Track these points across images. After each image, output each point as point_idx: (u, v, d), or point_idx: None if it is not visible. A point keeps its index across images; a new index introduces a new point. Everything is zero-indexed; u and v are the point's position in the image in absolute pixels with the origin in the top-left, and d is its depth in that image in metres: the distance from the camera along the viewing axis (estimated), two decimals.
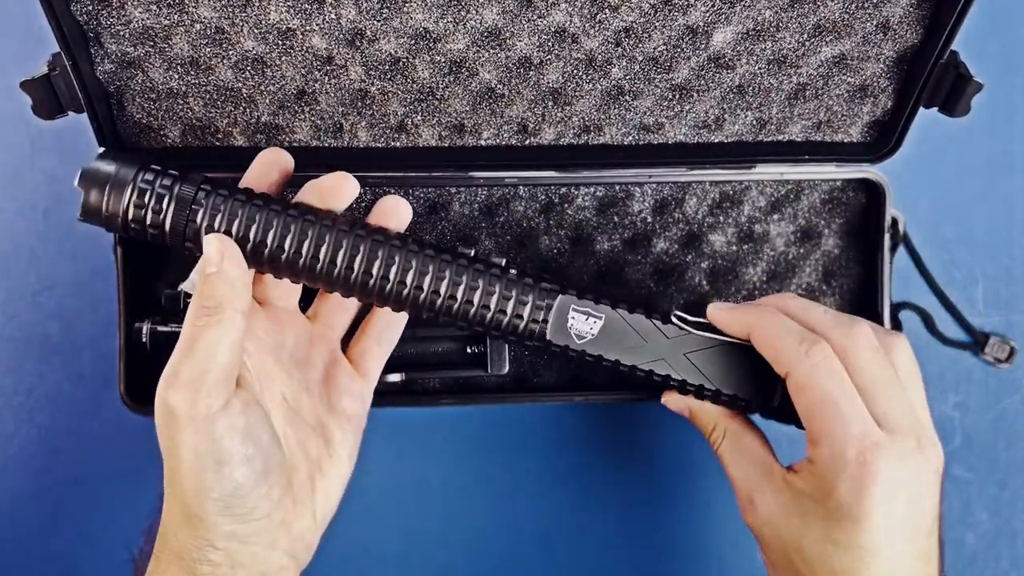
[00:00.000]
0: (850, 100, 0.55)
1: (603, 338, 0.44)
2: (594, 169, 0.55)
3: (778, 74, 0.53)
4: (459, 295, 0.43)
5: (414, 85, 0.52)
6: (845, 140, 0.56)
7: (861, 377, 0.41)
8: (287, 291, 0.46)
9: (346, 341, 0.50)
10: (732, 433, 0.45)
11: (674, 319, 0.45)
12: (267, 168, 0.45)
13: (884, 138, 0.56)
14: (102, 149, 0.41)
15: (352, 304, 0.48)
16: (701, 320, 0.46)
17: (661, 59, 0.52)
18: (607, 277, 0.58)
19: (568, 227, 0.57)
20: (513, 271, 0.44)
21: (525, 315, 0.44)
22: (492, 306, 0.44)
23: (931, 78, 0.52)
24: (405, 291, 0.43)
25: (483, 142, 0.54)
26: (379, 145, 0.54)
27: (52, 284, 0.59)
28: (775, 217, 0.58)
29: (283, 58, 0.51)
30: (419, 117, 0.53)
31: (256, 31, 0.50)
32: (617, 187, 0.57)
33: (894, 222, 0.57)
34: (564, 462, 0.58)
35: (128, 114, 0.52)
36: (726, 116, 0.55)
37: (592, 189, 0.57)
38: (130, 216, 0.41)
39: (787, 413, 0.45)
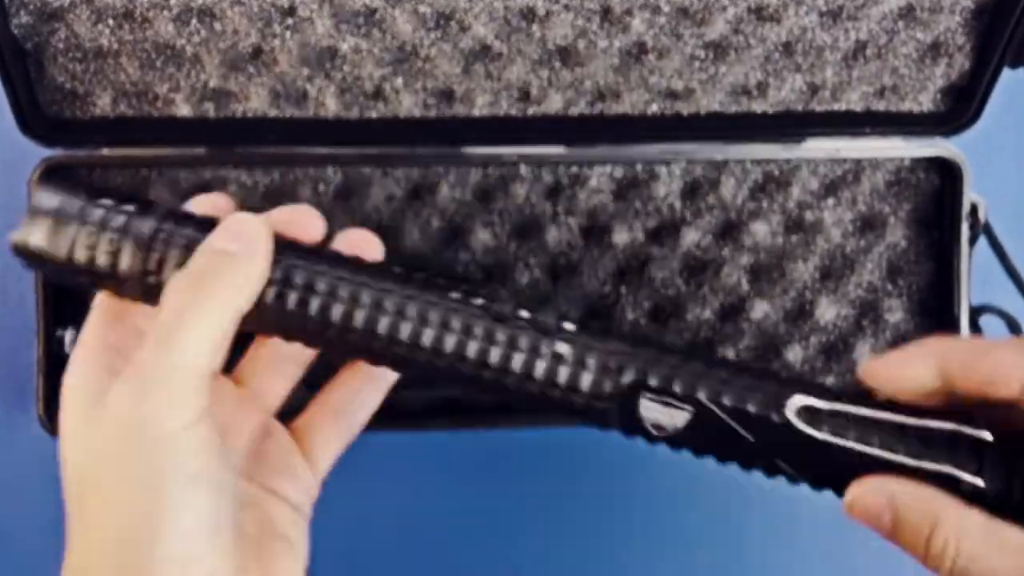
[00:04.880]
0: (920, 61, 0.52)
1: (692, 432, 0.36)
2: (611, 144, 0.53)
3: (833, 29, 0.51)
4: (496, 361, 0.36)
5: (393, 42, 0.50)
6: (914, 109, 0.54)
7: None
8: None
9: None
10: (979, 530, 0.31)
11: (795, 417, 0.35)
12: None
13: (961, 106, 0.53)
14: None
15: (294, 368, 0.41)
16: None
17: (692, 10, 0.50)
18: (626, 275, 0.55)
19: (580, 214, 0.55)
20: (570, 326, 0.37)
21: (582, 389, 0.36)
22: (538, 375, 0.36)
23: (1017, 32, 0.49)
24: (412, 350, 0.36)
25: (476, 111, 0.53)
26: (351, 115, 0.52)
27: None
28: (830, 202, 0.56)
29: (235, 8, 0.49)
30: (399, 81, 0.51)
31: None
32: (639, 166, 0.55)
33: (973, 208, 0.54)
34: (570, 494, 0.57)
35: (49, 77, 0.50)
36: (770, 80, 0.53)
37: (608, 169, 0.55)
38: (76, 258, 0.36)
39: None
